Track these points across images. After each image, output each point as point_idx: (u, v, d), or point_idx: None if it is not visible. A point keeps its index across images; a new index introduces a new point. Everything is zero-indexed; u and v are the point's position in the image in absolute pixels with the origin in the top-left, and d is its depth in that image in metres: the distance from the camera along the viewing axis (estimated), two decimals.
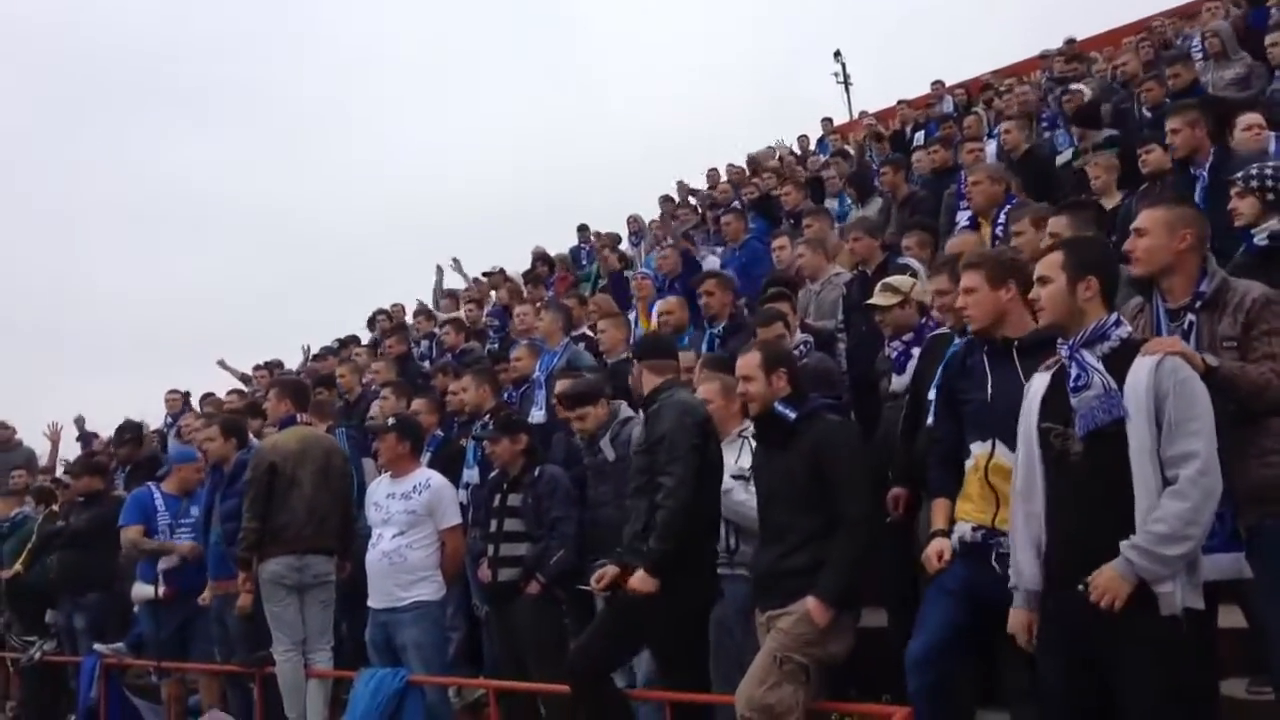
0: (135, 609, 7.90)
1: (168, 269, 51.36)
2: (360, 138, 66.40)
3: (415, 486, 6.11)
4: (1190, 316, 3.43)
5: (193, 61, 66.53)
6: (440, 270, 13.82)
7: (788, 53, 60.22)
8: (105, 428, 11.97)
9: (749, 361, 4.35)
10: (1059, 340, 3.27)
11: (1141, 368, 3.04)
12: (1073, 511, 3.11)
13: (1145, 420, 2.97)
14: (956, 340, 4.40)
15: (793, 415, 4.24)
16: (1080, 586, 2.99)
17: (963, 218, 7.05)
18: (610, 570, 4.71)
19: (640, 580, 4.50)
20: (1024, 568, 3.23)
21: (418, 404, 7.45)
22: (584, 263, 13.47)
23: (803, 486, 4.16)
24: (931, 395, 4.32)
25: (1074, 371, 3.15)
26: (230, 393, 12.02)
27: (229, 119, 65.08)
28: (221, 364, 12.32)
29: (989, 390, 3.81)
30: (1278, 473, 3.31)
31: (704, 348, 6.73)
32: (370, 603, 6.09)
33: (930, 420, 4.31)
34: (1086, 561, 3.02)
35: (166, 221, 54.91)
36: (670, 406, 4.69)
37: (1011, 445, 3.54)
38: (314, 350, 12.57)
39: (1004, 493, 3.66)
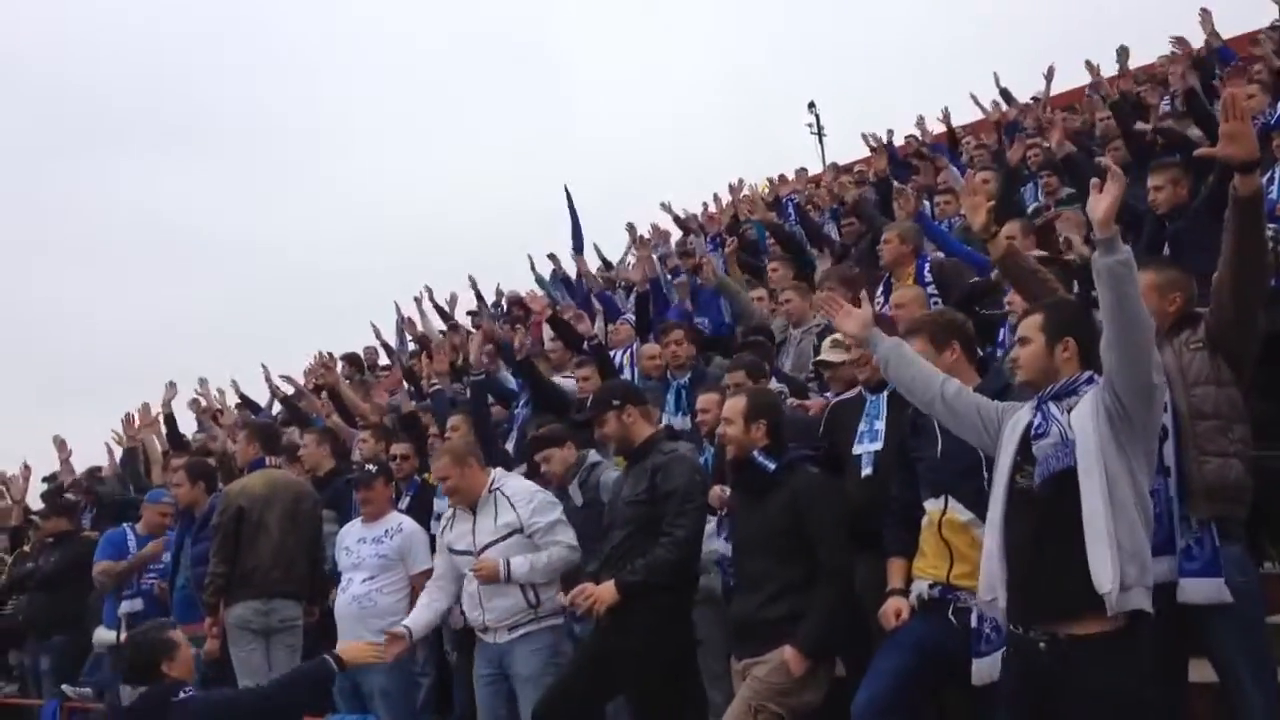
0: (97, 653, 7.76)
1: (138, 302, 50.93)
2: (335, 171, 66.37)
3: (387, 531, 6.06)
4: None
5: (152, 96, 66.47)
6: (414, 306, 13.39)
7: (762, 105, 60.99)
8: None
9: (734, 406, 4.43)
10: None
11: (1085, 406, 3.08)
12: (1037, 551, 3.09)
13: (1097, 462, 2.99)
14: (870, 398, 4.49)
15: (772, 466, 4.28)
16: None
17: None
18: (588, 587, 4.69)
19: (605, 590, 4.54)
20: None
21: (399, 448, 7.36)
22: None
23: (781, 537, 4.19)
24: (856, 452, 4.41)
25: (1036, 420, 3.18)
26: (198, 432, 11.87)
27: (202, 153, 64.83)
28: (194, 405, 12.11)
29: (939, 447, 3.87)
30: (1238, 473, 3.47)
31: (669, 398, 6.75)
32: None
33: (864, 474, 4.38)
34: (1050, 602, 3.03)
35: (136, 254, 54.54)
36: (681, 461, 4.76)
37: (964, 500, 3.63)
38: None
39: (958, 548, 3.74)
